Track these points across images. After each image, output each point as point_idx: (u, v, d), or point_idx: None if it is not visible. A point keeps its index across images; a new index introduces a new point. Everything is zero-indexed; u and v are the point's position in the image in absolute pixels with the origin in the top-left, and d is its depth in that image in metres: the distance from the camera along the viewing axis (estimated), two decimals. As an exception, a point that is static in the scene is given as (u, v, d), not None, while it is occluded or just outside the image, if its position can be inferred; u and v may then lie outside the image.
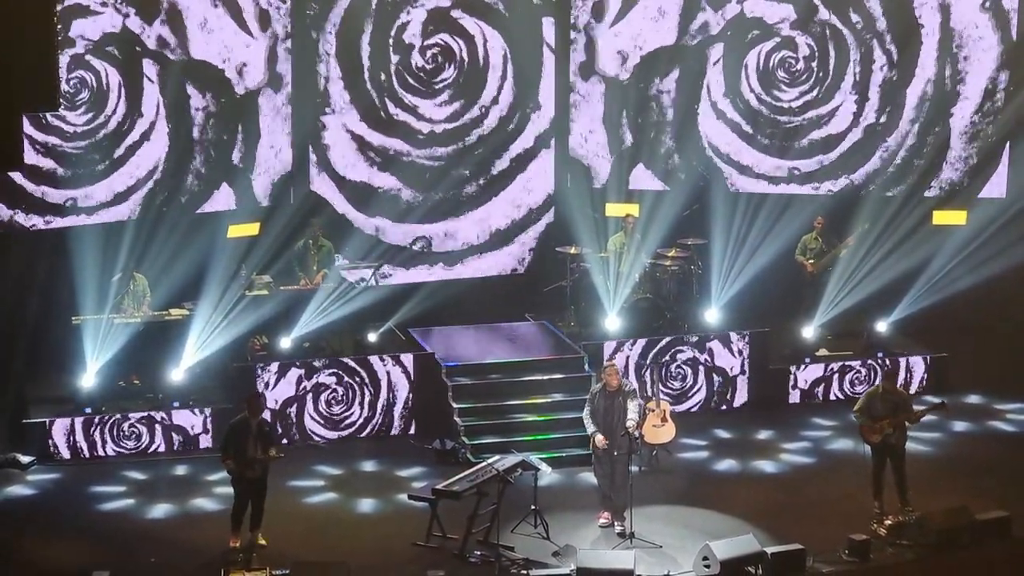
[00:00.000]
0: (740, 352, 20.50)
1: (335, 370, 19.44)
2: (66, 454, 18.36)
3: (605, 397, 16.45)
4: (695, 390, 20.32)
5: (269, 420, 17.35)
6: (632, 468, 16.56)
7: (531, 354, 19.97)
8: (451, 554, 15.81)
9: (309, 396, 19.30)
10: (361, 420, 19.52)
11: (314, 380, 19.33)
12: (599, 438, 16.36)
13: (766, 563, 15.25)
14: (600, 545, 16.05)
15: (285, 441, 18.62)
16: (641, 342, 20.17)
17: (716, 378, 20.35)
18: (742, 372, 20.51)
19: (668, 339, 20.25)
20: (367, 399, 19.51)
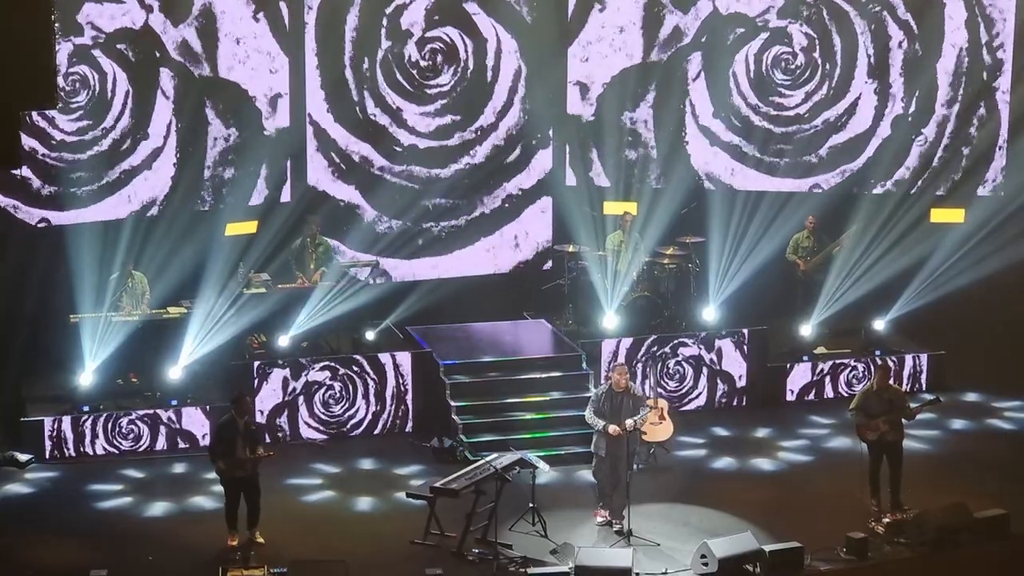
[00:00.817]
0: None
1: (327, 362, 18.66)
2: (64, 452, 18.30)
3: (612, 397, 16.39)
4: (695, 395, 19.90)
5: (256, 420, 17.17)
6: (634, 467, 16.59)
7: (529, 352, 19.93)
8: (449, 552, 15.81)
9: (300, 399, 18.69)
10: (369, 417, 18.92)
11: (303, 379, 18.59)
12: (612, 428, 16.22)
13: (764, 561, 15.25)
14: (598, 543, 16.05)
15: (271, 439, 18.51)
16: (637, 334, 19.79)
17: (721, 386, 19.98)
18: (749, 383, 19.88)
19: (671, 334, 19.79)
20: (372, 390, 18.87)
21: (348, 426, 18.98)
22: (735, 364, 19.95)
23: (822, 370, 20.34)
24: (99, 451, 18.35)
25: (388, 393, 18.97)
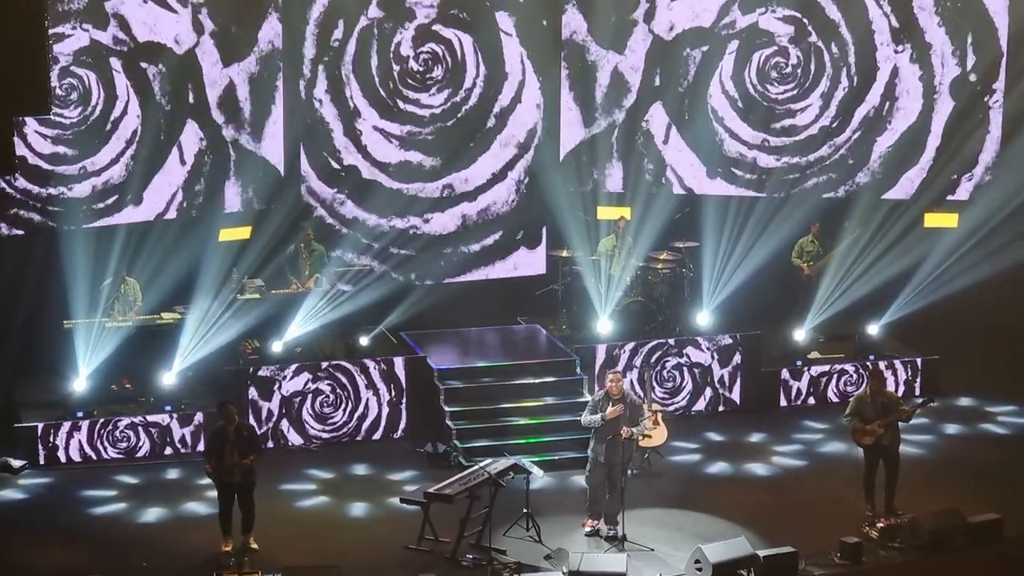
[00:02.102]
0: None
1: (300, 363, 17.23)
2: (58, 458, 18.24)
3: (609, 404, 16.39)
4: (686, 412, 19.61)
5: (251, 425, 16.85)
6: (628, 472, 16.60)
7: (523, 357, 19.91)
8: (443, 557, 15.81)
9: (284, 423, 17.87)
10: (386, 409, 17.93)
11: (277, 397, 17.23)
12: (611, 408, 16.00)
13: (758, 566, 15.26)
14: (592, 548, 16.05)
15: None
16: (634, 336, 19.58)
17: (723, 409, 19.70)
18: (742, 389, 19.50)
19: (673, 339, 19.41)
20: (376, 377, 18.02)
21: (362, 433, 18.21)
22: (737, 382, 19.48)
23: (800, 391, 20.16)
24: (97, 456, 18.28)
25: (400, 372, 17.32)
